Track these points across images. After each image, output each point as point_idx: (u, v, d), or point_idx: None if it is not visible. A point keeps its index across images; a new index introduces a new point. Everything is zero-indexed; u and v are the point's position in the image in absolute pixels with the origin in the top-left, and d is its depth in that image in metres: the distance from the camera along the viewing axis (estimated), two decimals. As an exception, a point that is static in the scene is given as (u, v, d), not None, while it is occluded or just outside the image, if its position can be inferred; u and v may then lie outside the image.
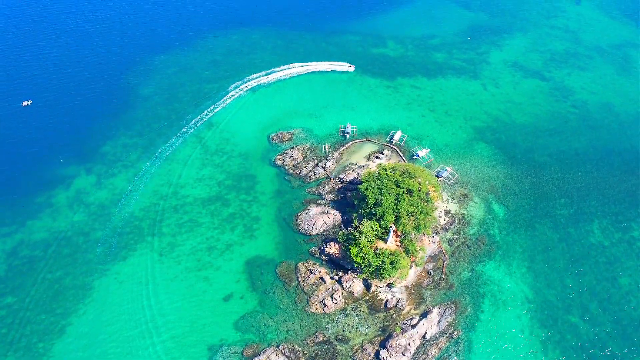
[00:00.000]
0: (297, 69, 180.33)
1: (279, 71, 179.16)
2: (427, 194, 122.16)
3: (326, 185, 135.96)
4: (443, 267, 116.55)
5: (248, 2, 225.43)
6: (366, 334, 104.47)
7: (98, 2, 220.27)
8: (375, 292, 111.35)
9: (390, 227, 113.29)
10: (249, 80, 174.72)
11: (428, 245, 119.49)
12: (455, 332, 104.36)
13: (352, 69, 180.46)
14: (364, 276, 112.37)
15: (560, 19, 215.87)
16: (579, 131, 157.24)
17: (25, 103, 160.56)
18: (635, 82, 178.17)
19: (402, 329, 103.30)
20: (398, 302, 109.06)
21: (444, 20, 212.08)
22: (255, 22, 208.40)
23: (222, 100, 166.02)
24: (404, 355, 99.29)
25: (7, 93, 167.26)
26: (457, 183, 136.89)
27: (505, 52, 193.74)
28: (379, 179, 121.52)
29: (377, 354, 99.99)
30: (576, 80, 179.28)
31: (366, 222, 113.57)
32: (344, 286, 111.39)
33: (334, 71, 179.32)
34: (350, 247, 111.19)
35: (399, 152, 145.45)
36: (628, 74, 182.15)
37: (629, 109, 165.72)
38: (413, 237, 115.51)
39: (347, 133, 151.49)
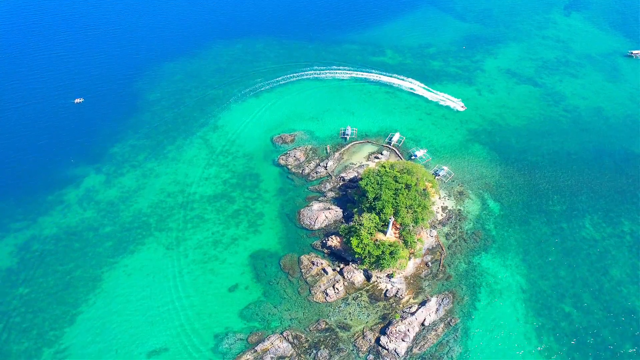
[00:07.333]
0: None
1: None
2: (424, 189, 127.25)
3: (327, 184, 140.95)
4: (441, 259, 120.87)
5: (250, 13, 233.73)
6: (367, 322, 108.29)
7: (110, 13, 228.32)
8: (376, 283, 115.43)
9: (390, 219, 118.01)
10: (257, 84, 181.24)
11: (426, 238, 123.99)
12: (453, 320, 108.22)
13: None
14: (365, 267, 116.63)
15: (551, 29, 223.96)
16: (570, 133, 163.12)
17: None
18: (623, 87, 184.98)
19: (401, 316, 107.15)
20: (397, 291, 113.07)
21: (440, 31, 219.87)
22: (258, 33, 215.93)
23: (227, 103, 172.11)
24: (403, 341, 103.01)
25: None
26: (453, 181, 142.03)
27: (499, 60, 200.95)
28: (378, 175, 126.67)
29: (377, 340, 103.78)
30: (567, 86, 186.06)
31: (366, 215, 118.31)
32: (345, 277, 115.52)
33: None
34: (351, 238, 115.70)
35: (398, 153, 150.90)
36: (617, 81, 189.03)
37: (618, 113, 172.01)
38: (411, 229, 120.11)
39: (348, 135, 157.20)
